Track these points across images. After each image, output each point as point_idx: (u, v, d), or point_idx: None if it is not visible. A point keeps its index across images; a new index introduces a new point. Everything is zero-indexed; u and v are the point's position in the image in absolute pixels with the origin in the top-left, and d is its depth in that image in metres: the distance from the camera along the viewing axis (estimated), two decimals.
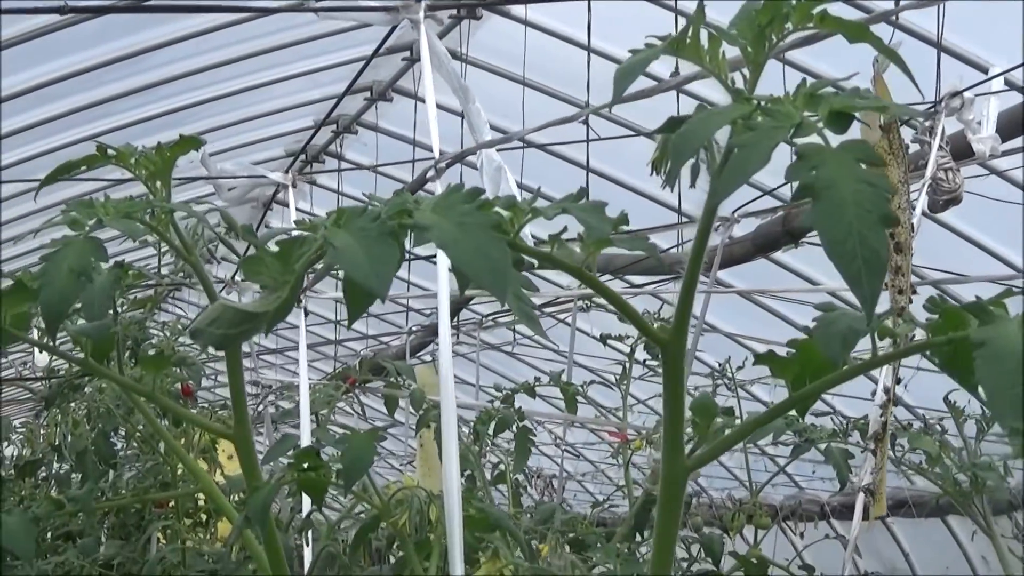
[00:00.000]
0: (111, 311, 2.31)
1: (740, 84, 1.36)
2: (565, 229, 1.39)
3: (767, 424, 1.38)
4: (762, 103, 1.27)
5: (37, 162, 8.49)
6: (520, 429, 4.05)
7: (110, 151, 1.93)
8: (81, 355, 2.09)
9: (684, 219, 6.52)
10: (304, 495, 2.64)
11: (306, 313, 3.40)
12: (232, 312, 1.24)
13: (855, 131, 2.82)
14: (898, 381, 2.74)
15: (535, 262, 1.42)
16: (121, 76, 7.93)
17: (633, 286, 7.81)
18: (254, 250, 1.91)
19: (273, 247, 1.37)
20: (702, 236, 1.38)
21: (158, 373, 2.13)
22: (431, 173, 2.97)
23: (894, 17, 3.79)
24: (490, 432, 4.07)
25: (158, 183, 1.96)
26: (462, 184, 1.32)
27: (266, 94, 8.92)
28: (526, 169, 7.98)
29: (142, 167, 1.95)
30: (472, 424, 4.08)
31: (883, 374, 2.80)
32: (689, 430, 1.52)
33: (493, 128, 8.14)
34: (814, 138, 1.23)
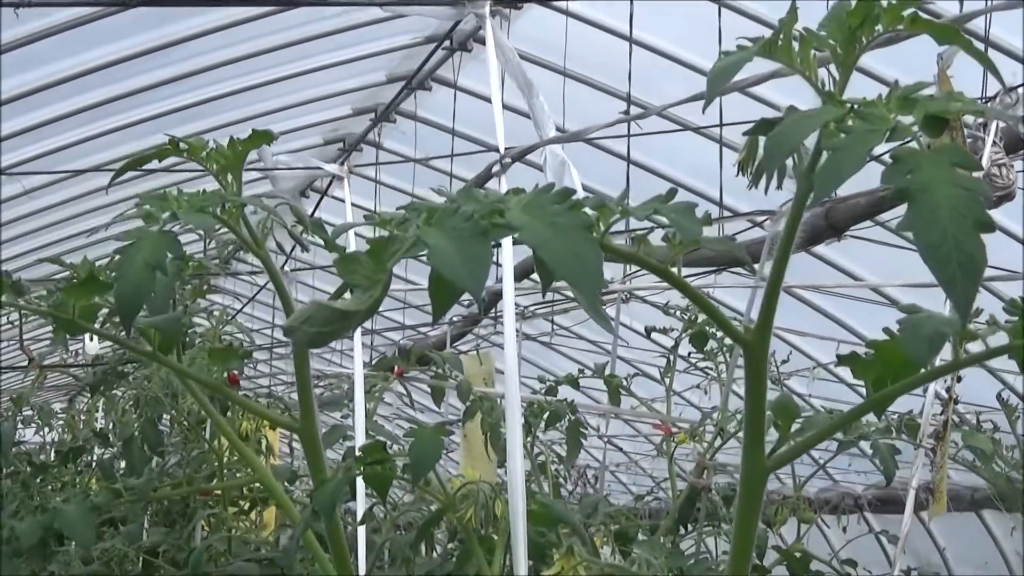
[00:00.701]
0: (173, 302, 2.32)
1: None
2: (652, 230, 1.40)
3: (842, 426, 1.38)
4: (855, 106, 1.27)
5: (72, 150, 8.53)
6: (572, 422, 4.05)
7: (181, 144, 1.94)
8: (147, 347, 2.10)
9: (726, 213, 6.51)
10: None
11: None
12: (327, 311, 1.25)
13: None
14: (959, 380, 2.73)
15: None
16: (156, 66, 7.95)
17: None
18: (321, 242, 1.92)
19: (343, 248, 1.37)
20: (788, 239, 1.38)
21: (225, 365, 2.15)
22: (496, 167, 2.97)
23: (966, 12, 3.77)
24: (542, 425, 4.07)
25: (229, 177, 1.96)
26: (552, 185, 1.33)
27: (304, 83, 8.93)
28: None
29: (213, 161, 1.95)
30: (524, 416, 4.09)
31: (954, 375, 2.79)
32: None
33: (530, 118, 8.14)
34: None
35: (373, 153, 9.87)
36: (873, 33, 1.35)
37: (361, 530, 2.94)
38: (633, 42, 7.04)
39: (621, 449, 10.78)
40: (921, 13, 1.34)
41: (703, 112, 1.56)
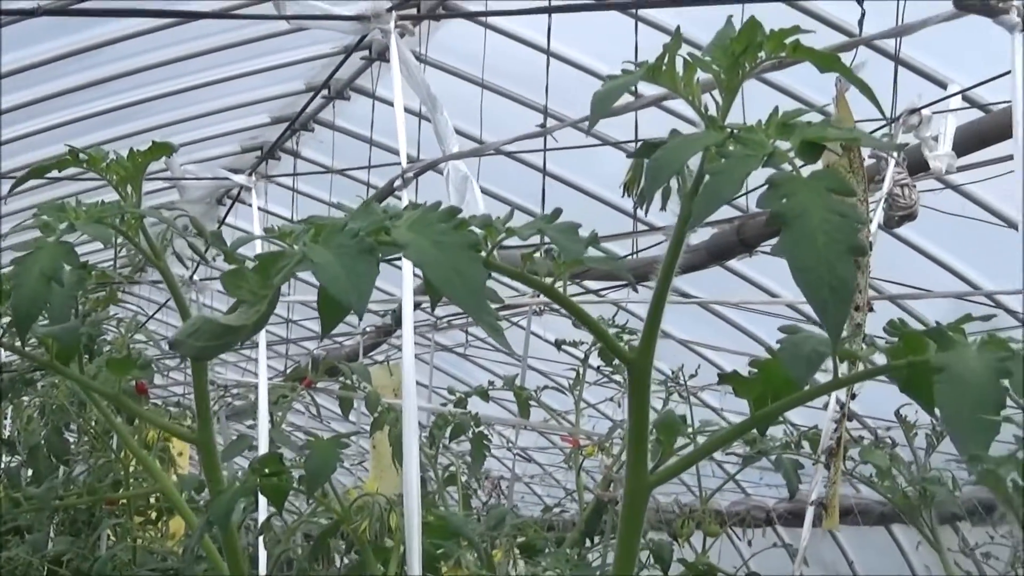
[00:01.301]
0: (73, 312, 2.32)
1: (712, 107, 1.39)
2: (537, 248, 1.42)
3: (725, 443, 1.41)
4: (734, 131, 1.29)
5: None
6: (476, 434, 4.07)
7: (81, 155, 1.95)
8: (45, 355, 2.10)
9: (641, 227, 6.56)
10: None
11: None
12: (213, 325, 1.26)
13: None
14: (853, 397, 2.78)
15: None
16: (79, 69, 7.89)
17: (588, 291, 7.85)
18: (221, 255, 1.92)
19: (243, 260, 1.39)
20: (671, 259, 1.40)
21: (124, 375, 2.15)
22: (398, 182, 2.99)
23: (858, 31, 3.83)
24: (446, 437, 4.09)
25: (128, 188, 1.97)
26: (439, 203, 1.35)
27: (223, 90, 8.89)
28: (483, 172, 8.00)
29: (113, 172, 1.96)
30: (429, 428, 4.11)
31: (848, 391, 2.84)
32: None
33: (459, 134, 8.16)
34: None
35: (291, 162, 9.85)
36: (757, 59, 1.37)
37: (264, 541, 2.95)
38: (551, 55, 7.07)
39: (535, 461, 10.80)
40: (803, 42, 1.37)
41: (587, 134, 1.59)
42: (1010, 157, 5.46)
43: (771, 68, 1.49)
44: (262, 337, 3.50)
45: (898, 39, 5.21)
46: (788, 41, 1.36)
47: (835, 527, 2.87)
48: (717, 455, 6.62)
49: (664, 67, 1.36)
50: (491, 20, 7.65)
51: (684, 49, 1.40)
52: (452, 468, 4.72)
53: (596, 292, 7.70)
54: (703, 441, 1.52)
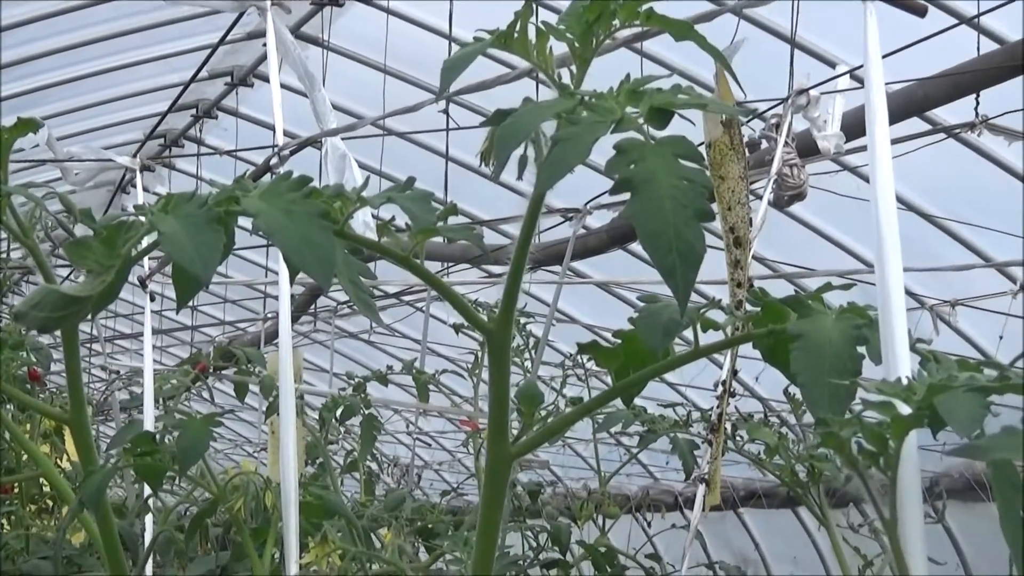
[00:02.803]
0: None
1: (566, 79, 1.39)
2: (393, 218, 1.41)
3: (588, 413, 1.41)
4: (585, 98, 1.29)
5: None
6: (366, 416, 4.06)
7: None
8: None
9: (544, 209, 6.56)
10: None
11: (152, 298, 3.37)
12: (56, 295, 1.24)
13: (700, 127, 2.85)
14: (735, 373, 2.79)
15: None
16: None
17: (491, 275, 7.85)
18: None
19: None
20: (528, 227, 1.40)
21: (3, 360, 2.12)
22: (275, 160, 2.97)
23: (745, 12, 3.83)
24: (336, 418, 4.08)
25: None
26: (290, 172, 1.34)
27: (125, 76, 8.81)
28: (389, 158, 7.99)
29: None
30: (319, 411, 4.09)
31: (725, 366, 2.85)
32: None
33: (353, 115, 8.13)
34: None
35: (195, 149, 9.78)
36: (611, 27, 1.37)
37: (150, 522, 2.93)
38: (453, 40, 7.06)
39: (441, 445, 10.80)
40: (656, 10, 1.36)
41: (436, 103, 1.58)
42: (905, 139, 5.52)
43: (633, 39, 1.49)
44: (147, 321, 3.46)
45: (794, 20, 5.24)
46: (642, 9, 1.36)
47: (716, 502, 2.88)
48: (625, 440, 6.65)
49: (516, 35, 1.35)
50: (393, 6, 7.63)
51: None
52: (355, 453, 4.71)
53: (500, 275, 7.68)
54: (568, 411, 1.52)
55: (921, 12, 2.32)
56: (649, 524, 5.13)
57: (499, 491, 1.47)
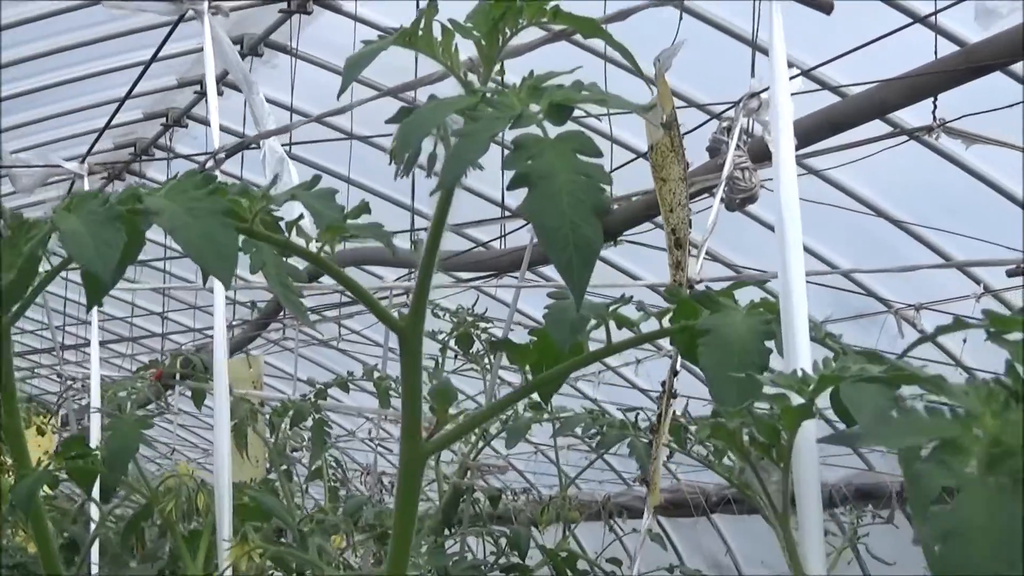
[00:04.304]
0: None
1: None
2: (301, 217, 1.41)
3: (500, 410, 1.41)
4: (487, 95, 1.30)
5: None
6: (316, 421, 4.07)
7: None
8: None
9: (507, 213, 6.57)
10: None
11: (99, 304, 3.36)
12: None
13: (641, 127, 2.87)
14: (675, 373, 2.80)
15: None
16: None
17: (460, 281, 7.85)
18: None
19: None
20: (437, 225, 1.40)
21: None
22: (211, 163, 2.98)
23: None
24: (286, 424, 4.08)
25: None
26: (195, 171, 1.34)
27: (95, 85, 8.79)
28: (354, 165, 8.00)
29: None
30: (268, 416, 4.10)
31: (670, 368, 2.86)
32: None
33: (322, 123, 8.11)
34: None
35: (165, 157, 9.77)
36: (517, 25, 1.38)
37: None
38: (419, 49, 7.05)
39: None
40: (563, 8, 1.37)
41: (338, 98, 1.59)
42: (865, 142, 5.55)
43: (552, 39, 1.50)
44: (94, 328, 3.47)
45: (755, 23, 5.25)
46: (549, 7, 1.37)
47: (656, 503, 2.89)
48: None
49: (421, 33, 1.36)
50: (361, 13, 7.63)
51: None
52: (319, 462, 4.71)
53: (465, 281, 7.69)
54: (477, 409, 1.52)
55: (827, 9, 2.34)
56: (611, 529, 5.13)
57: (413, 489, 1.47)
